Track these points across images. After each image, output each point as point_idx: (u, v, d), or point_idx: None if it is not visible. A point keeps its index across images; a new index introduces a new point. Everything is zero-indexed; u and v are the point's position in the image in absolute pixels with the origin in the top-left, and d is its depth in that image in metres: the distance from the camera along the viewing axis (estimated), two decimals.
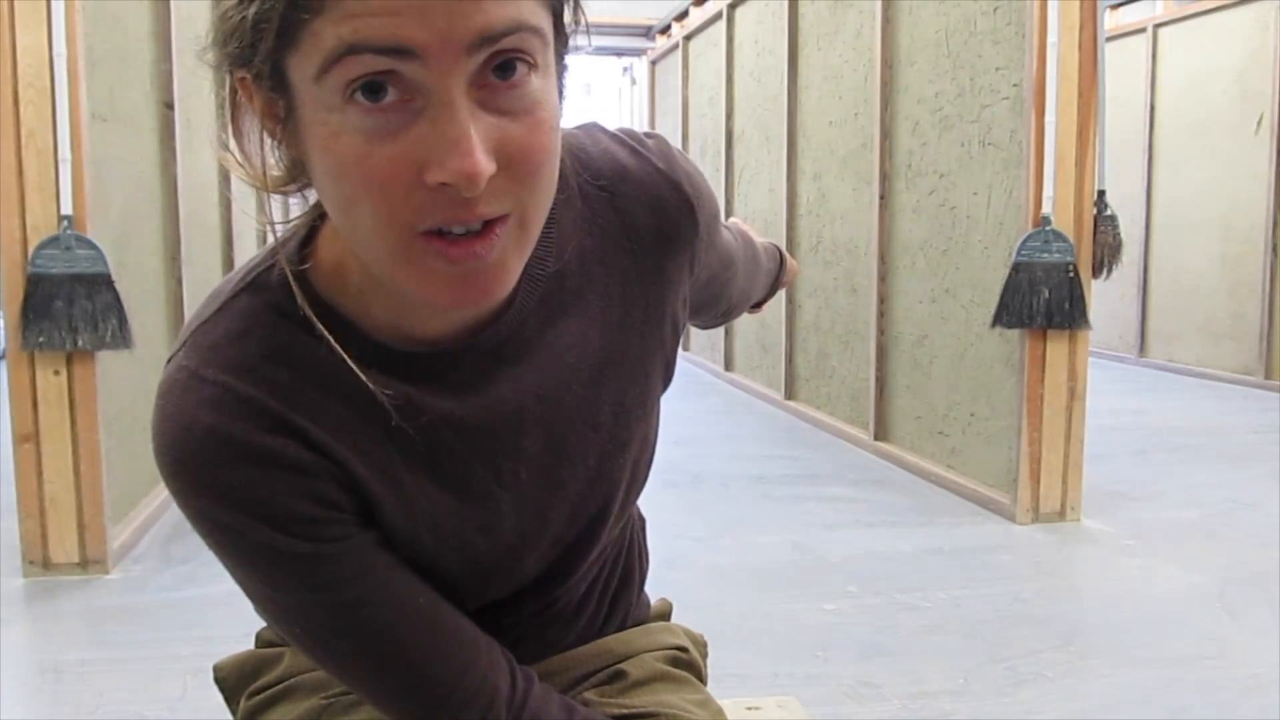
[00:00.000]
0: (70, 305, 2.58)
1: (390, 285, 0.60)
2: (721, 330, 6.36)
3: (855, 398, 4.51)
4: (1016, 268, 3.14)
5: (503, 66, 0.53)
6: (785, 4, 5.10)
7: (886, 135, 4.10)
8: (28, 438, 2.65)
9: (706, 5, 6.75)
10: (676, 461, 4.04)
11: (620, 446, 0.74)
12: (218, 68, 0.57)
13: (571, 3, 0.59)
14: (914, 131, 3.93)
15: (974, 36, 3.48)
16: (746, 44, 5.92)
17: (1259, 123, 5.89)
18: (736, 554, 3.00)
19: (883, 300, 4.19)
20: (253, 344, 0.62)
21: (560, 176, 0.60)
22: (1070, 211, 3.15)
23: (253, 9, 0.52)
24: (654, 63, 8.44)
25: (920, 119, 3.87)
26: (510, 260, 0.58)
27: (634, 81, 11.77)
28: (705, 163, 6.71)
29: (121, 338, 2.64)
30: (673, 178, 0.73)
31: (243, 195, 3.79)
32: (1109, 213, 3.22)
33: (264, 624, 0.81)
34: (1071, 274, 3.13)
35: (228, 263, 4.25)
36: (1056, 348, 3.20)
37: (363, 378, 0.62)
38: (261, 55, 0.53)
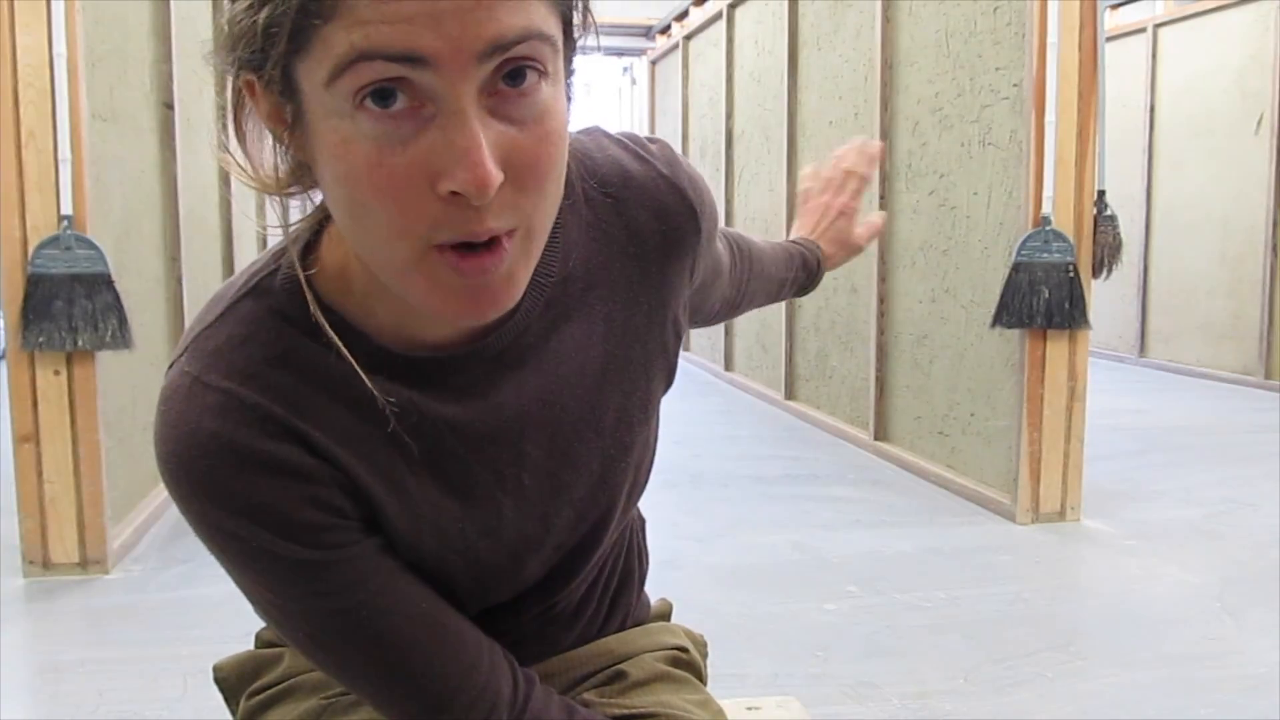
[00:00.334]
0: (70, 305, 2.58)
1: (396, 292, 0.60)
2: (721, 330, 6.37)
3: (855, 398, 4.51)
4: (1016, 268, 3.15)
5: (513, 74, 0.53)
6: (785, 4, 5.10)
7: (886, 135, 4.10)
8: (28, 438, 2.65)
9: (706, 5, 6.75)
10: (676, 461, 4.04)
11: (623, 451, 0.74)
12: (224, 72, 0.57)
13: (580, 7, 0.58)
14: (914, 131, 3.93)
15: (974, 36, 3.48)
16: (746, 44, 5.92)
17: (1259, 123, 5.89)
18: (736, 554, 3.00)
19: (883, 300, 4.19)
20: (256, 349, 0.62)
21: (566, 183, 0.60)
22: (1070, 211, 3.15)
23: (263, 14, 0.51)
24: (654, 63, 8.44)
25: (920, 119, 3.87)
26: (518, 271, 0.58)
27: (634, 81, 11.76)
28: (705, 163, 6.71)
29: (121, 338, 2.64)
30: (677, 183, 0.73)
31: (242, 196, 3.79)
32: (1109, 213, 3.22)
33: (264, 624, 0.81)
34: (1071, 274, 3.13)
35: (228, 263, 4.26)
36: (1056, 348, 3.20)
37: (368, 383, 0.62)
38: (272, 61, 0.53)
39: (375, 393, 0.62)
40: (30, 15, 2.51)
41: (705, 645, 0.94)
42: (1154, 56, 6.64)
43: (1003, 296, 3.18)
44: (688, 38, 7.21)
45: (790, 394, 5.30)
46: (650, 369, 0.75)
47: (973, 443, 3.56)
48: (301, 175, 0.60)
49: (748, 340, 6.07)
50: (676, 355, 0.78)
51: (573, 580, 0.77)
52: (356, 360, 0.62)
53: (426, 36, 0.49)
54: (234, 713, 0.85)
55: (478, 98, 0.52)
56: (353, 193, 0.54)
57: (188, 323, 0.63)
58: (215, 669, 0.86)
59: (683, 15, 7.42)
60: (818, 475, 3.97)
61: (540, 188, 0.56)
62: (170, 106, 3.44)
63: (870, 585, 2.70)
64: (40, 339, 2.57)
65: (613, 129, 0.76)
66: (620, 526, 0.79)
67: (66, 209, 2.57)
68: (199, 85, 3.73)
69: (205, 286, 3.73)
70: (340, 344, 0.62)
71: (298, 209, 0.65)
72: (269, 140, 0.59)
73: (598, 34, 0.60)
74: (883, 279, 4.18)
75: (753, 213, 5.86)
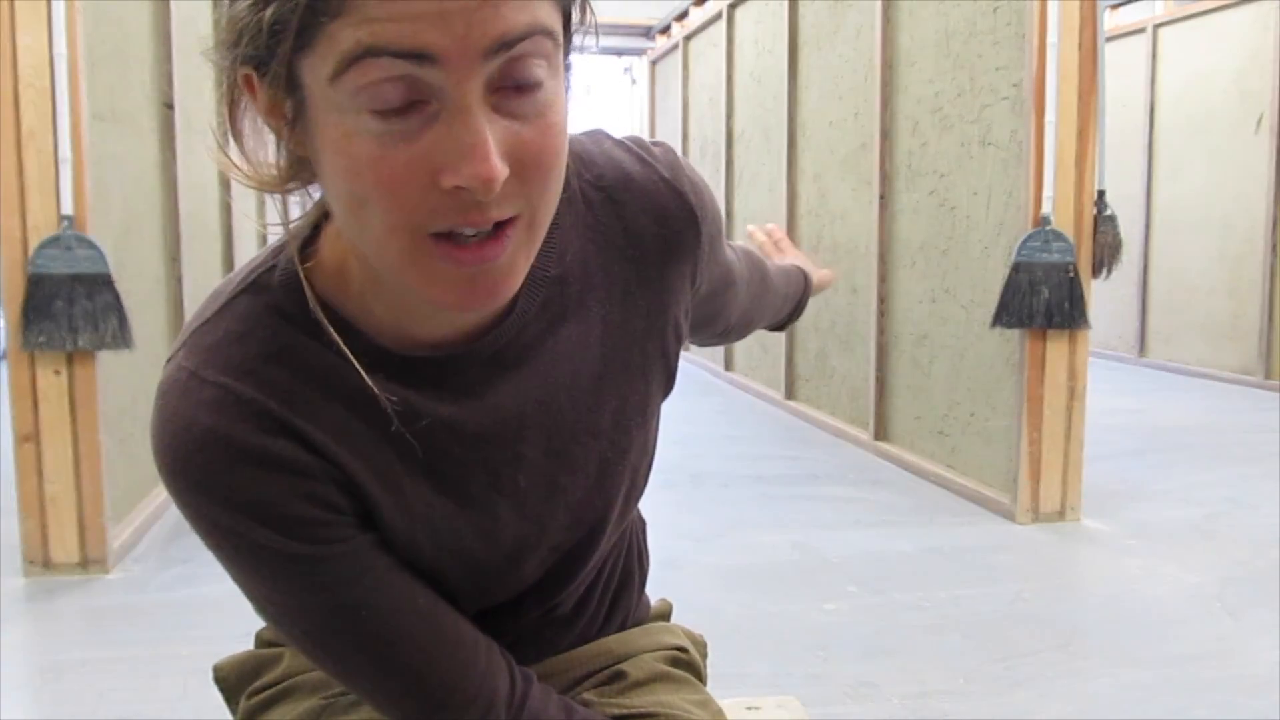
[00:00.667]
0: (70, 305, 2.58)
1: (396, 286, 0.60)
2: None
3: (855, 398, 4.51)
4: (1016, 267, 3.15)
5: (518, 71, 0.53)
6: (785, 4, 5.10)
7: (886, 135, 4.10)
8: (28, 438, 2.66)
9: (707, 5, 6.75)
10: (676, 461, 4.04)
11: (620, 454, 0.74)
12: (224, 67, 0.57)
13: (579, 2, 0.59)
14: (914, 131, 3.93)
15: (974, 36, 3.48)
16: (746, 44, 5.92)
17: (1259, 123, 5.89)
18: (736, 554, 3.00)
19: (883, 300, 4.19)
20: (253, 345, 0.62)
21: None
22: (1070, 211, 3.15)
23: (269, 11, 0.52)
24: (654, 63, 8.44)
25: (920, 119, 3.87)
26: (518, 261, 0.58)
27: (634, 81, 11.77)
28: (705, 163, 6.71)
29: (122, 338, 2.64)
30: (678, 187, 0.72)
31: (242, 196, 3.79)
32: (1109, 213, 3.22)
33: (264, 624, 0.81)
34: (1071, 274, 3.13)
35: (228, 263, 4.26)
36: (1056, 348, 3.20)
37: (367, 380, 0.62)
38: (278, 57, 0.53)
39: (376, 391, 0.62)
40: (31, 15, 2.52)
41: (705, 645, 0.94)
42: (1154, 56, 6.64)
43: (1002, 296, 3.18)
44: (688, 38, 7.21)
45: (790, 394, 5.30)
46: (649, 372, 0.74)
47: (973, 443, 3.56)
48: (299, 171, 0.60)
49: (748, 340, 6.07)
50: (677, 360, 0.77)
51: (571, 582, 0.77)
52: (354, 358, 0.62)
53: (433, 34, 0.50)
54: (234, 712, 0.85)
55: (483, 94, 0.52)
56: (353, 187, 0.54)
57: None
58: (215, 669, 0.86)
59: (683, 15, 7.42)
60: (818, 475, 3.97)
61: (545, 178, 0.56)
62: (170, 106, 3.44)
63: (870, 585, 2.70)
64: (41, 339, 2.57)
65: (615, 132, 0.75)
66: (618, 529, 0.79)
67: (67, 209, 2.57)
68: (199, 85, 3.73)
69: (205, 286, 3.72)
70: (340, 342, 0.62)
71: (298, 206, 0.65)
72: (266, 137, 0.59)
73: (597, 27, 0.61)
74: (883, 279, 4.18)
75: (753, 213, 5.86)
